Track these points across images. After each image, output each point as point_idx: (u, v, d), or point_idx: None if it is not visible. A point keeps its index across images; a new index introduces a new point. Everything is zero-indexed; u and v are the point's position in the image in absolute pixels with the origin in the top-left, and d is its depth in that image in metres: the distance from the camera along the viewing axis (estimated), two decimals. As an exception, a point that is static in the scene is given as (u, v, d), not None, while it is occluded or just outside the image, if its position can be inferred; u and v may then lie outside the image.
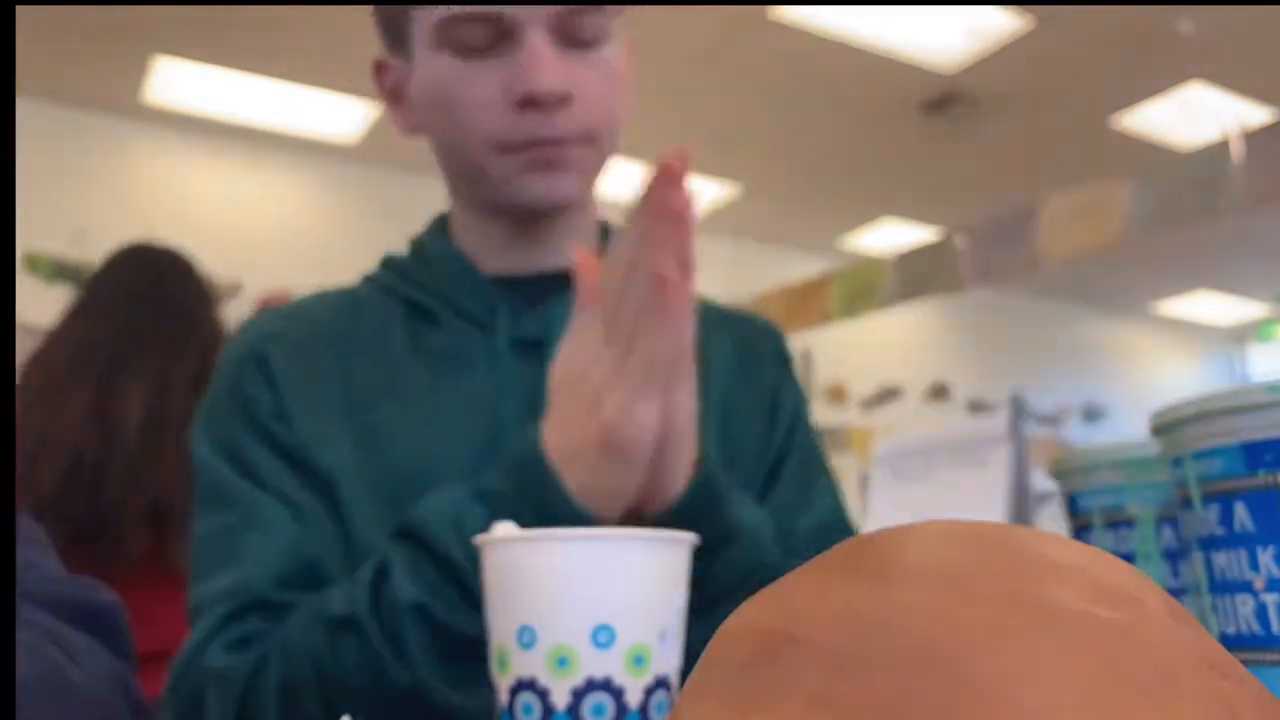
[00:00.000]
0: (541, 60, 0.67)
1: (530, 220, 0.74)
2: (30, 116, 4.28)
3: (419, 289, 0.75)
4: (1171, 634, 0.24)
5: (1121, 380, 7.54)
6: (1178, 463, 0.43)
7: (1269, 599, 0.38)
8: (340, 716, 0.57)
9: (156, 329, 1.50)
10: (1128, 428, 7.26)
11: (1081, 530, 0.58)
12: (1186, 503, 0.43)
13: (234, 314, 4.00)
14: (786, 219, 5.89)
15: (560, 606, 0.42)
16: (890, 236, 6.06)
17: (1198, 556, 0.42)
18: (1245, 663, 0.39)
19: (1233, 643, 0.40)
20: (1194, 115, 4.65)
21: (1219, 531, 0.41)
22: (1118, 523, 0.56)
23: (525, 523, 0.56)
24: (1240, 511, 0.40)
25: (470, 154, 0.71)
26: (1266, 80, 4.39)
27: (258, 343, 0.72)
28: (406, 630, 0.56)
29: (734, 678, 0.26)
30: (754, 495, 0.78)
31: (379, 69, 0.78)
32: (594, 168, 0.73)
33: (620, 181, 5.25)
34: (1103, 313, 7.58)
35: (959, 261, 2.78)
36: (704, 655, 0.29)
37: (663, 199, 0.53)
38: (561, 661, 0.42)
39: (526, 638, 0.42)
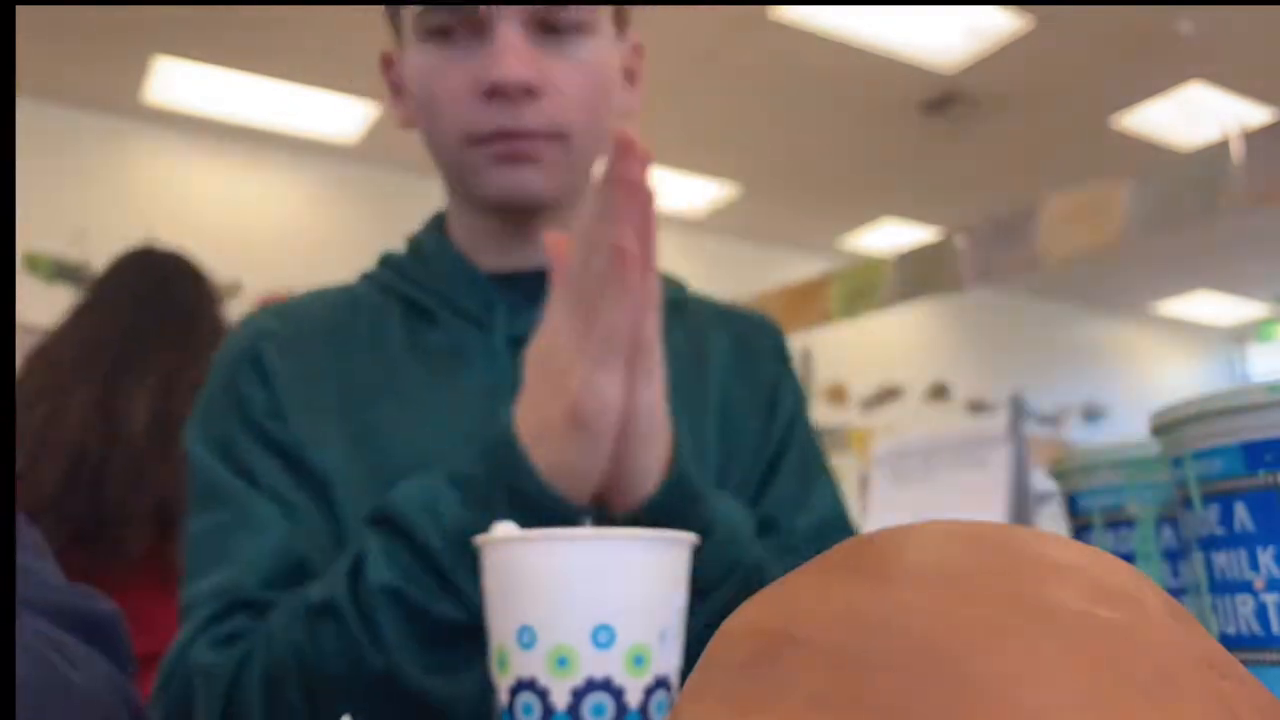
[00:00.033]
0: (507, 51, 0.67)
1: (514, 215, 0.74)
2: (30, 116, 4.28)
3: (416, 287, 0.75)
4: (1171, 634, 0.24)
5: (1121, 380, 7.54)
6: (1178, 463, 0.43)
7: (1269, 599, 0.38)
8: (322, 705, 0.57)
9: (162, 331, 1.50)
10: (1128, 428, 7.26)
11: (1081, 530, 0.58)
12: (1186, 503, 0.43)
13: (234, 314, 4.00)
14: (786, 219, 5.89)
15: (560, 606, 0.42)
16: (890, 236, 6.06)
17: (1198, 556, 0.42)
18: (1245, 663, 0.39)
19: (1233, 643, 0.40)
20: (1194, 115, 4.65)
21: (1219, 531, 0.41)
22: (1118, 523, 0.56)
23: (497, 506, 0.56)
24: (1240, 511, 0.40)
25: (446, 146, 0.71)
26: (1266, 80, 4.39)
27: (252, 341, 0.72)
28: (381, 615, 0.56)
29: (734, 678, 0.26)
30: (751, 492, 0.77)
31: (386, 62, 0.78)
32: (566, 164, 0.71)
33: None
34: (1103, 313, 7.58)
35: (959, 261, 2.78)
36: (704, 655, 0.29)
37: (621, 171, 0.53)
38: (561, 661, 0.42)
39: (526, 638, 0.42)
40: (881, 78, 4.32)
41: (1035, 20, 3.89)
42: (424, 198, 4.78)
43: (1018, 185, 5.36)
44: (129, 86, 4.29)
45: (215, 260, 4.43)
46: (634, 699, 0.42)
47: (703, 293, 0.86)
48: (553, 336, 0.57)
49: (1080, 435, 6.94)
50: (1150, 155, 4.97)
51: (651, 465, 0.58)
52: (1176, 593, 0.54)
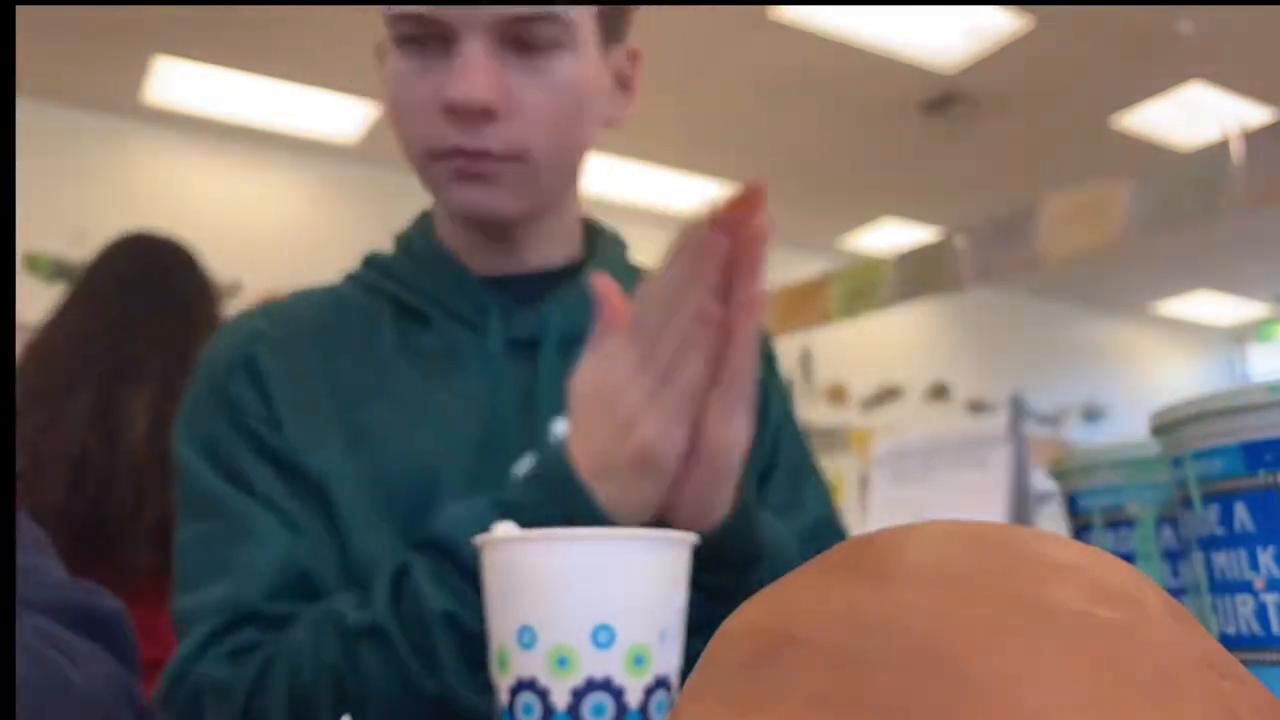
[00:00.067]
0: (467, 70, 0.65)
1: (486, 225, 0.73)
2: (30, 116, 4.28)
3: (407, 288, 0.74)
4: (1171, 634, 0.24)
5: (1121, 380, 7.54)
6: (1178, 463, 0.43)
7: (1269, 599, 0.38)
8: (341, 717, 0.57)
9: (161, 325, 1.47)
10: (1128, 428, 7.26)
11: (1081, 530, 0.58)
12: (1186, 503, 0.43)
13: (233, 314, 4.00)
14: (786, 219, 5.88)
15: (560, 606, 0.42)
16: (890, 236, 6.06)
17: (1198, 556, 0.42)
18: (1245, 663, 0.39)
19: (1233, 643, 0.40)
20: (1194, 115, 4.65)
21: (1219, 531, 0.41)
22: (1118, 523, 0.56)
23: None
24: (1240, 511, 0.40)
25: (412, 156, 0.71)
26: (1266, 80, 4.39)
27: (243, 343, 0.71)
28: (437, 639, 0.56)
29: (734, 678, 0.26)
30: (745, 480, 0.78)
31: (380, 54, 0.77)
32: (528, 184, 0.69)
33: (616, 181, 5.25)
34: (1103, 313, 7.58)
35: (959, 261, 2.78)
36: (704, 655, 0.29)
37: (738, 223, 0.54)
38: (561, 661, 0.42)
39: (526, 638, 0.42)
40: (881, 78, 4.32)
41: (1035, 20, 3.89)
42: (424, 198, 4.77)
43: (1018, 185, 5.36)
44: (129, 86, 4.29)
45: (215, 260, 4.41)
46: (634, 699, 0.42)
47: None
48: (616, 381, 0.57)
49: (1080, 435, 6.94)
50: (1150, 155, 4.97)
51: (726, 497, 0.60)
52: (1176, 593, 0.54)
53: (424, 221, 0.79)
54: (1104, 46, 4.11)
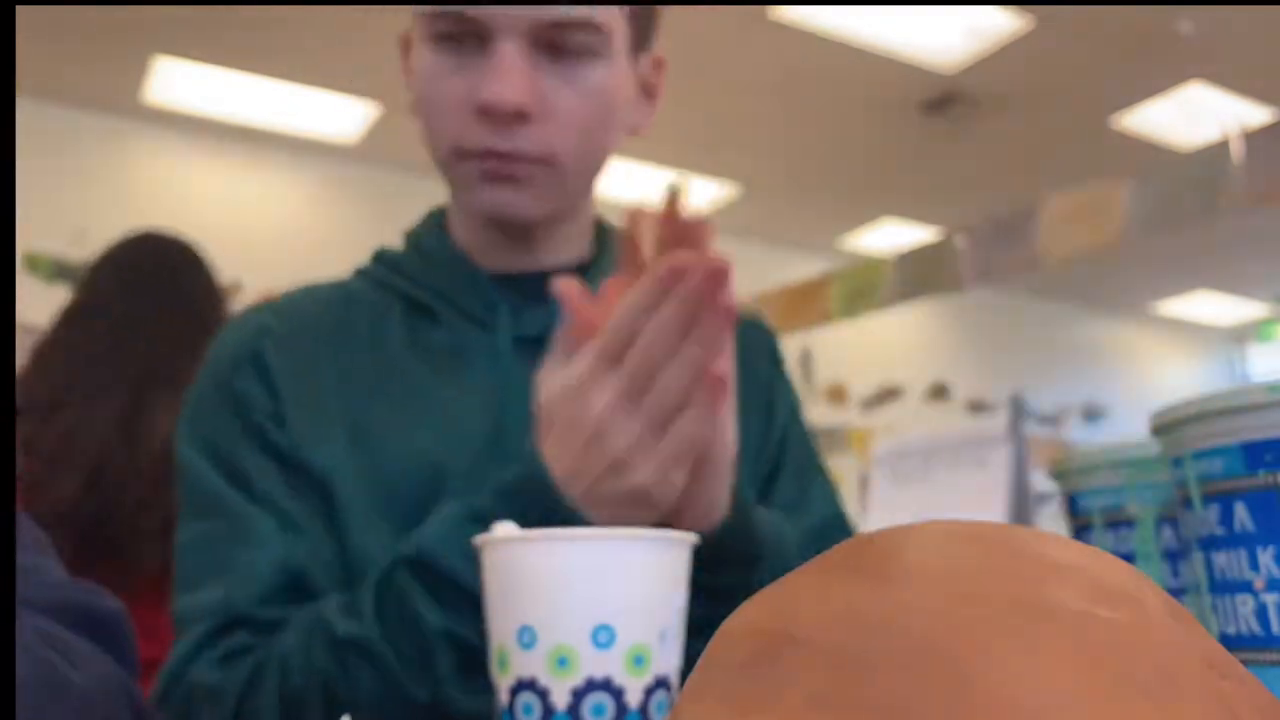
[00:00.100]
0: (502, 71, 0.65)
1: (505, 224, 0.73)
2: (30, 116, 4.28)
3: (416, 285, 0.74)
4: (1171, 634, 0.24)
5: (1121, 380, 7.54)
6: (1178, 463, 0.43)
7: (1269, 599, 0.38)
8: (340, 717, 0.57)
9: (177, 326, 1.48)
10: (1128, 428, 7.26)
11: (1081, 530, 0.58)
12: (1186, 503, 0.43)
13: (235, 314, 4.00)
14: (786, 219, 5.89)
15: (560, 606, 0.42)
16: (890, 236, 6.06)
17: (1198, 556, 0.42)
18: (1245, 663, 0.39)
19: (1233, 643, 0.40)
20: (1194, 115, 4.65)
21: (1219, 531, 0.41)
22: (1118, 523, 0.56)
23: None
24: (1240, 511, 0.40)
25: (439, 154, 0.71)
26: (1266, 80, 4.39)
27: (250, 339, 0.71)
28: (438, 656, 0.56)
29: (734, 678, 0.26)
30: (754, 492, 0.78)
31: (404, 44, 0.76)
32: (555, 188, 0.70)
33: (621, 183, 5.25)
34: (1103, 313, 7.58)
35: (959, 261, 2.78)
36: (704, 655, 0.29)
37: (710, 296, 0.53)
38: (561, 661, 0.42)
39: (526, 638, 0.42)
40: (881, 78, 4.32)
41: (1035, 20, 3.89)
42: (424, 198, 4.77)
43: (1018, 185, 5.36)
44: (129, 86, 4.29)
45: (215, 260, 4.42)
46: (634, 699, 0.42)
47: None
48: (598, 413, 0.55)
49: (1080, 435, 6.94)
50: (1150, 155, 4.97)
51: (723, 498, 0.60)
52: (1176, 593, 0.54)
53: (435, 218, 0.79)
54: (1104, 46, 4.11)
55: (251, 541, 0.65)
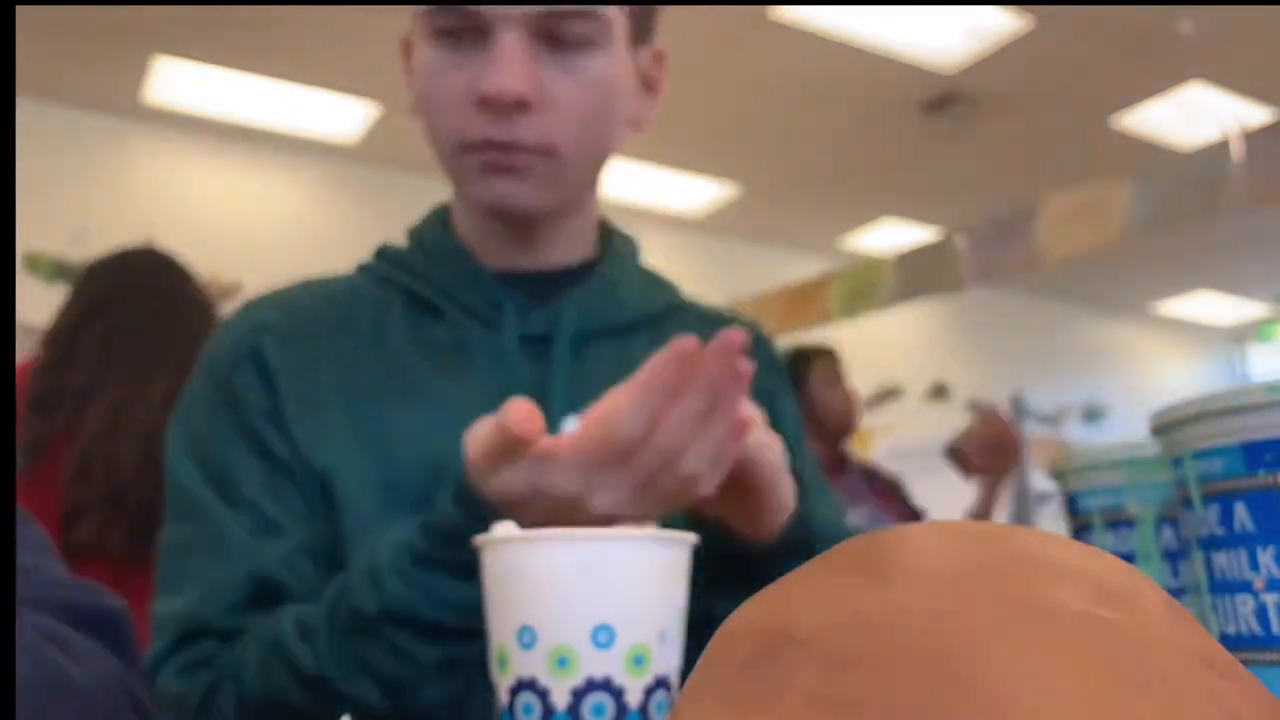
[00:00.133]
0: (502, 62, 0.65)
1: (510, 220, 0.73)
2: (30, 116, 4.28)
3: (419, 281, 0.74)
4: (1171, 634, 0.24)
5: (1121, 380, 7.54)
6: (1178, 463, 0.43)
7: (1269, 599, 0.38)
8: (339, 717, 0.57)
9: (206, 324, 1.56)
10: (1128, 428, 7.26)
11: (1081, 530, 0.58)
12: (1186, 503, 0.43)
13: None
14: (786, 219, 5.88)
15: (560, 606, 0.42)
16: (890, 236, 6.06)
17: (1198, 556, 0.42)
18: (1245, 663, 0.39)
19: (1233, 643, 0.40)
20: (1194, 115, 4.65)
21: (1219, 531, 0.41)
22: (1118, 523, 0.56)
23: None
24: (1240, 511, 0.40)
25: (441, 149, 0.71)
26: (1266, 80, 4.39)
27: (249, 335, 0.70)
28: (370, 695, 0.57)
29: (734, 678, 0.26)
30: None
31: (405, 47, 0.77)
32: (556, 178, 0.70)
33: (615, 181, 5.25)
34: (1103, 313, 7.58)
35: (959, 261, 2.78)
36: (704, 655, 0.29)
37: (734, 373, 0.53)
38: (561, 661, 0.42)
39: (526, 638, 0.42)
40: (881, 78, 4.32)
41: (1035, 20, 3.89)
42: (424, 197, 4.77)
43: (1018, 185, 5.36)
44: (129, 86, 4.29)
45: (215, 260, 4.43)
46: (634, 699, 0.42)
47: (694, 298, 0.86)
48: (600, 511, 0.54)
49: (1080, 435, 6.94)
50: (1150, 155, 4.97)
51: (786, 502, 0.61)
52: (1176, 593, 0.54)
53: (439, 216, 0.79)
54: (1104, 46, 4.11)
55: (223, 550, 0.65)
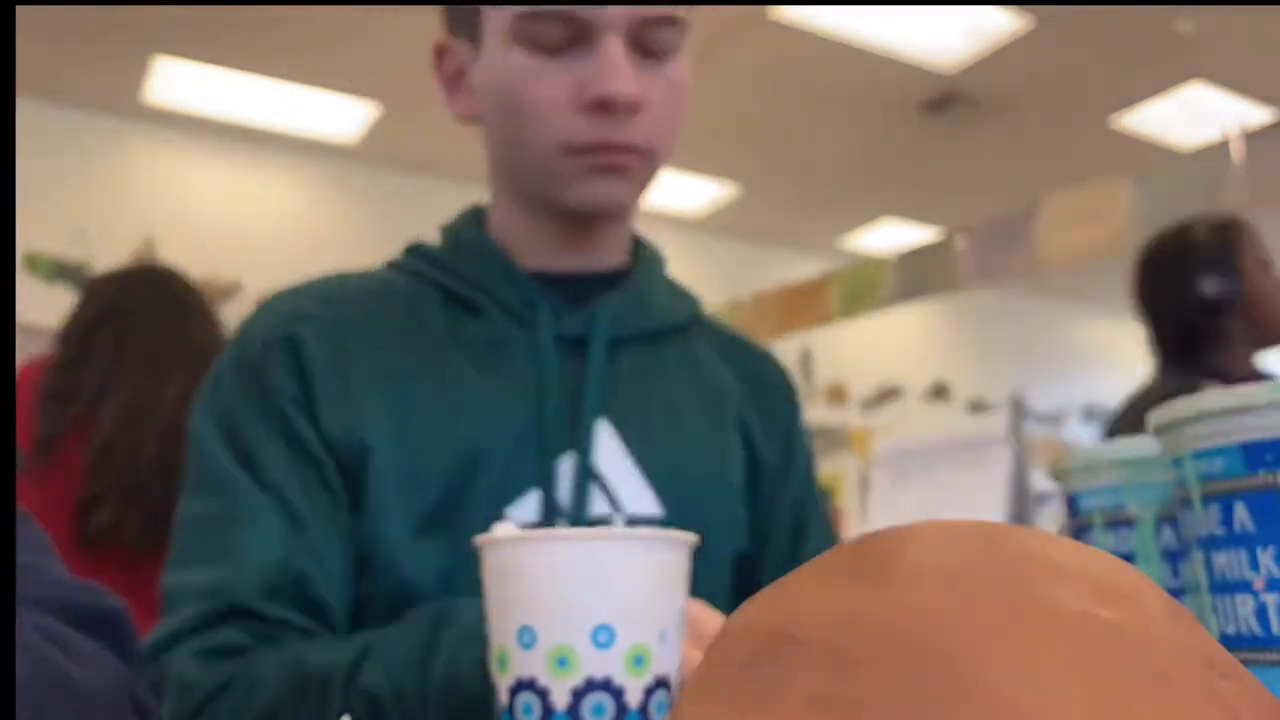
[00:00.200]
0: (618, 65, 0.67)
1: (580, 222, 0.74)
2: (30, 116, 4.28)
3: (456, 277, 0.74)
4: (1171, 634, 0.24)
5: (1122, 380, 7.54)
6: (1178, 463, 0.43)
7: (1269, 599, 0.38)
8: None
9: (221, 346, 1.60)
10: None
11: (1081, 530, 0.58)
12: (1186, 503, 0.43)
13: (234, 314, 4.00)
14: (786, 219, 5.88)
15: (560, 606, 0.42)
16: (890, 236, 6.06)
17: (1198, 556, 0.42)
18: (1245, 663, 0.39)
19: (1233, 643, 0.40)
20: (1194, 115, 4.65)
21: (1219, 531, 0.41)
22: (1118, 523, 0.56)
23: None
24: (1240, 511, 0.40)
25: (532, 153, 0.71)
26: (1266, 80, 4.39)
27: (284, 323, 0.70)
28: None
29: (734, 678, 0.26)
30: (776, 517, 0.79)
31: (440, 52, 0.77)
32: (648, 180, 0.73)
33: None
34: (1103, 313, 7.58)
35: (959, 261, 2.78)
36: (704, 655, 0.29)
37: None
38: (561, 661, 0.42)
39: (526, 638, 0.42)
40: (881, 78, 4.32)
41: (1035, 20, 3.89)
42: (424, 197, 4.77)
43: (1018, 185, 5.36)
44: (129, 86, 4.29)
45: (215, 260, 4.44)
46: (634, 699, 0.42)
47: (714, 317, 0.87)
48: None
49: (1080, 435, 6.94)
50: (1150, 155, 4.97)
51: None
52: (1176, 593, 0.54)
53: (473, 216, 0.80)
54: (1104, 46, 4.10)
55: (254, 530, 0.64)
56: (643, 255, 0.81)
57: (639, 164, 0.71)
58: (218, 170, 4.71)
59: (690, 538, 0.45)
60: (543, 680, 0.42)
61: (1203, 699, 0.22)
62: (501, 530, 0.46)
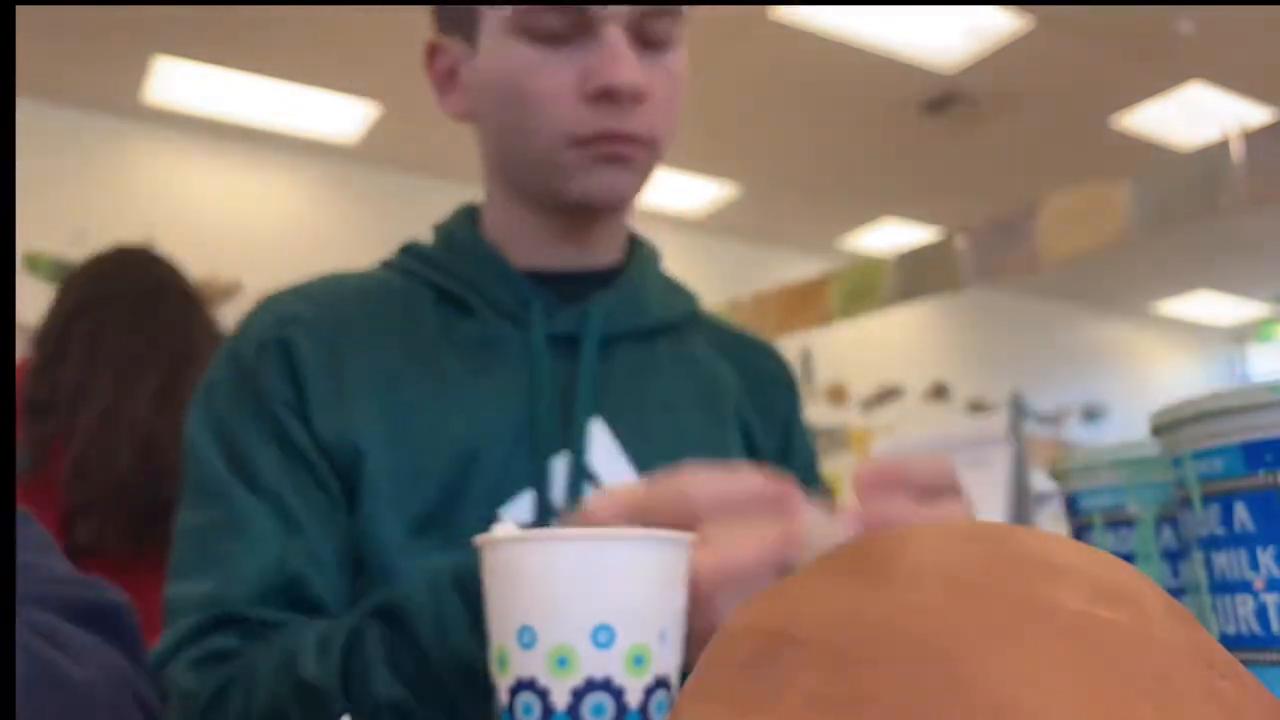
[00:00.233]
0: (622, 55, 0.67)
1: (580, 216, 0.74)
2: (30, 116, 4.28)
3: (448, 276, 0.74)
4: (1171, 634, 0.24)
5: (1121, 380, 7.53)
6: (1178, 463, 0.43)
7: (1269, 599, 0.38)
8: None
9: (208, 331, 1.57)
10: (1128, 428, 7.26)
11: (1081, 530, 0.58)
12: (1186, 503, 0.43)
13: (234, 314, 4.00)
14: (786, 219, 5.88)
15: (560, 606, 0.42)
16: (890, 236, 6.05)
17: (1198, 556, 0.42)
18: (1245, 663, 0.39)
19: (1233, 643, 0.40)
20: (1194, 115, 4.65)
21: (1219, 531, 0.41)
22: (1118, 523, 0.56)
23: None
24: (1240, 511, 0.40)
25: (536, 145, 0.71)
26: (1266, 80, 4.39)
27: (278, 326, 0.70)
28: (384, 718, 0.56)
29: (734, 678, 0.26)
30: None
31: (432, 50, 0.77)
32: (649, 170, 0.73)
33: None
34: (1103, 313, 7.58)
35: (959, 261, 2.78)
36: (704, 655, 0.29)
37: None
38: (561, 661, 0.42)
39: (526, 638, 0.42)
40: (881, 78, 4.32)
41: (1035, 20, 3.89)
42: (424, 197, 4.77)
43: (1018, 185, 5.36)
44: (129, 86, 4.29)
45: (215, 260, 4.43)
46: (634, 699, 0.42)
47: (712, 313, 0.87)
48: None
49: (1080, 435, 6.93)
50: (1150, 155, 4.97)
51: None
52: (1176, 593, 0.54)
53: (466, 214, 0.79)
54: (1104, 46, 4.10)
55: (248, 536, 0.64)
56: (638, 252, 0.81)
57: (642, 154, 0.71)
58: (218, 170, 4.71)
59: (690, 537, 0.45)
60: (543, 680, 0.42)
61: (1203, 699, 0.22)
62: (501, 530, 0.46)
